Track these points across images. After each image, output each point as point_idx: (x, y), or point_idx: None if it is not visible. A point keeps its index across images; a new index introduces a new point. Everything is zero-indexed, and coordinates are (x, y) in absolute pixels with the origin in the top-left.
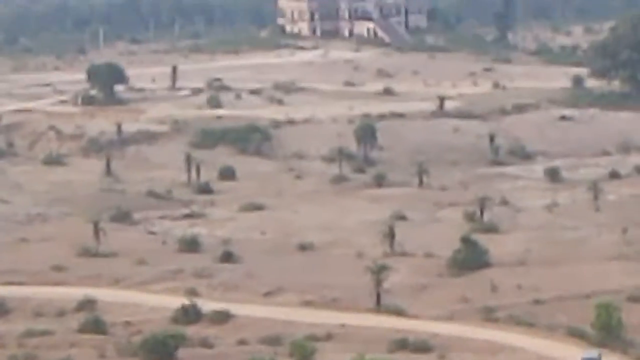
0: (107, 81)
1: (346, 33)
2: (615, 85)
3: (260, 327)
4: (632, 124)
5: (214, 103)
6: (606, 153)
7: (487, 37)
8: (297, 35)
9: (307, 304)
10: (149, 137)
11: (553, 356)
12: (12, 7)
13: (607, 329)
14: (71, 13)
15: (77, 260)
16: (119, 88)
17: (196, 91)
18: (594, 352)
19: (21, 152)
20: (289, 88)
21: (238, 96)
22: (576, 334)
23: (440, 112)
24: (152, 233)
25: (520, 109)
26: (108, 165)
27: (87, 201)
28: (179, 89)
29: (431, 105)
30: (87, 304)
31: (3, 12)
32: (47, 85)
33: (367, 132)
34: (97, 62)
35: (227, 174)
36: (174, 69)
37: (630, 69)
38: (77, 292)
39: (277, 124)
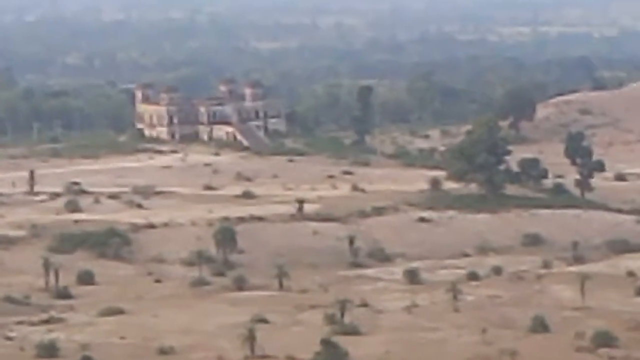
0: None
1: (205, 137)
2: (473, 187)
3: None
4: (489, 226)
5: (73, 207)
6: (464, 254)
7: (346, 140)
8: (156, 140)
9: None
10: (6, 242)
11: None
12: None
13: None
14: None
15: None
16: None
17: (54, 196)
18: None
19: None
20: (148, 192)
21: (97, 200)
22: None
23: (300, 215)
24: (9, 339)
25: (379, 211)
26: None
27: None
28: (37, 193)
29: (290, 209)
30: None
31: None
32: None
33: (226, 236)
34: None
35: (86, 278)
36: (32, 174)
37: (486, 172)
38: None
39: (136, 228)
